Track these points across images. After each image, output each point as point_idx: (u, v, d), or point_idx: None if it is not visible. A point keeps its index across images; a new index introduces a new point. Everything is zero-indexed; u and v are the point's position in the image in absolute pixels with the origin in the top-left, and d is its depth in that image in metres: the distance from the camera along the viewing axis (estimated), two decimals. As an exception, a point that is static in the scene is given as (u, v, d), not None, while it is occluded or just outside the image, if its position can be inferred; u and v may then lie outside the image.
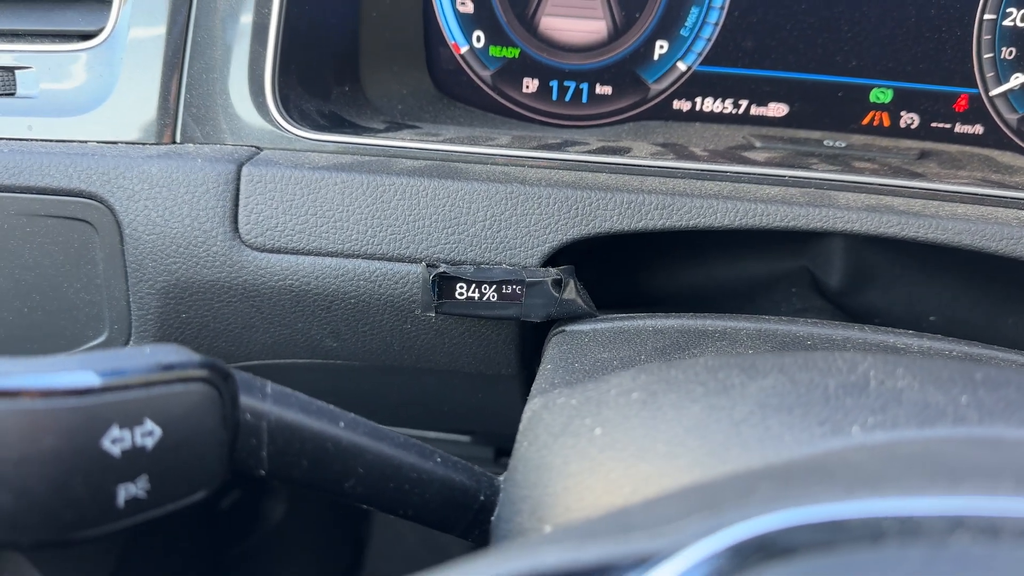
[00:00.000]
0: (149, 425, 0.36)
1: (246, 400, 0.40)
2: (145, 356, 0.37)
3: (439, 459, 0.48)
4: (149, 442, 0.36)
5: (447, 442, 1.09)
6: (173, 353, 0.39)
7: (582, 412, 0.43)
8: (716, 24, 0.76)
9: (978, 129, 0.78)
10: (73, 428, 0.34)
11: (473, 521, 0.49)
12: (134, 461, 0.36)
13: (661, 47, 0.78)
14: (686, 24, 0.77)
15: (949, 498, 0.25)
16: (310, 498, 1.34)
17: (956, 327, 0.72)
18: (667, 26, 0.77)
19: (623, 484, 0.38)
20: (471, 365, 0.69)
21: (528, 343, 0.69)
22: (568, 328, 0.62)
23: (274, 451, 0.41)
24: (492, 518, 0.48)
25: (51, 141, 0.66)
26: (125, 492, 0.36)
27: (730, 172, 0.66)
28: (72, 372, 0.35)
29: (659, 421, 0.39)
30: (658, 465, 0.37)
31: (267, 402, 0.41)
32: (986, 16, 0.74)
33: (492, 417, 0.83)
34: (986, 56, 0.75)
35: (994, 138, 0.78)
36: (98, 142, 0.66)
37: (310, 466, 0.43)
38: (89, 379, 0.34)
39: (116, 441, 0.35)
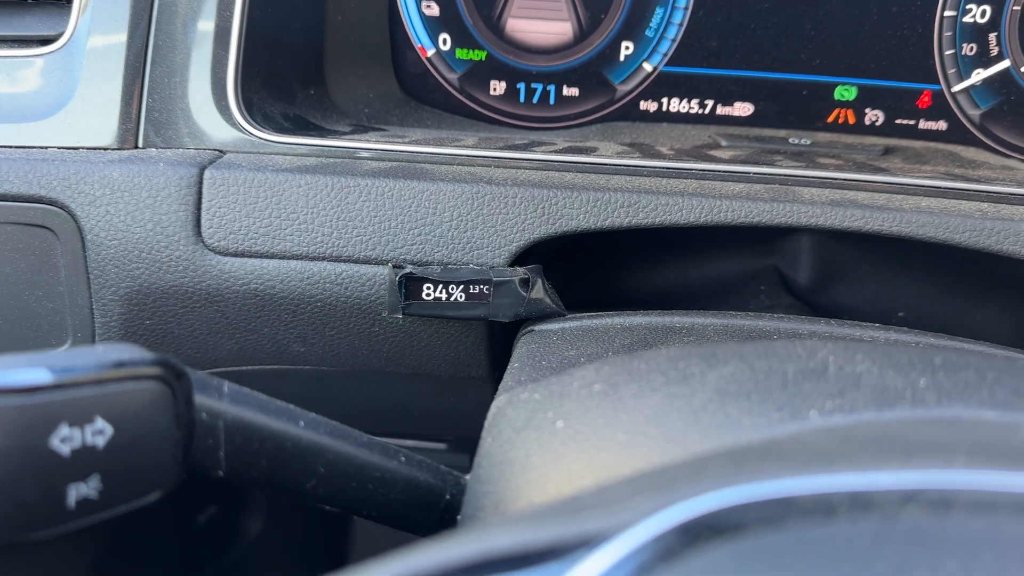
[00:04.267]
0: (100, 423, 0.35)
1: (201, 399, 0.40)
2: (96, 354, 0.37)
3: (403, 458, 0.47)
4: (100, 441, 0.35)
5: (423, 450, 1.08)
6: (126, 351, 0.38)
7: (545, 406, 0.43)
8: (680, 24, 0.77)
9: (941, 125, 0.78)
10: (20, 427, 0.33)
11: (439, 520, 0.48)
12: (84, 460, 0.35)
13: (627, 48, 0.78)
14: (651, 25, 0.77)
15: (901, 473, 0.25)
16: (288, 512, 1.33)
17: (924, 322, 0.72)
18: (632, 27, 0.77)
19: (584, 475, 0.37)
20: (441, 368, 0.69)
21: (498, 344, 0.68)
22: (537, 327, 0.62)
23: (232, 451, 0.41)
24: (459, 517, 0.48)
25: (10, 147, 0.65)
26: (76, 492, 0.35)
27: (696, 170, 0.66)
28: (19, 369, 0.34)
29: (620, 411, 0.39)
30: (618, 454, 0.37)
31: (223, 401, 0.41)
32: (946, 13, 0.75)
33: (465, 422, 0.82)
34: (947, 52, 0.76)
35: (957, 134, 0.78)
36: (59, 148, 0.65)
37: (269, 466, 0.42)
38: (37, 376, 0.34)
39: (65, 440, 0.34)
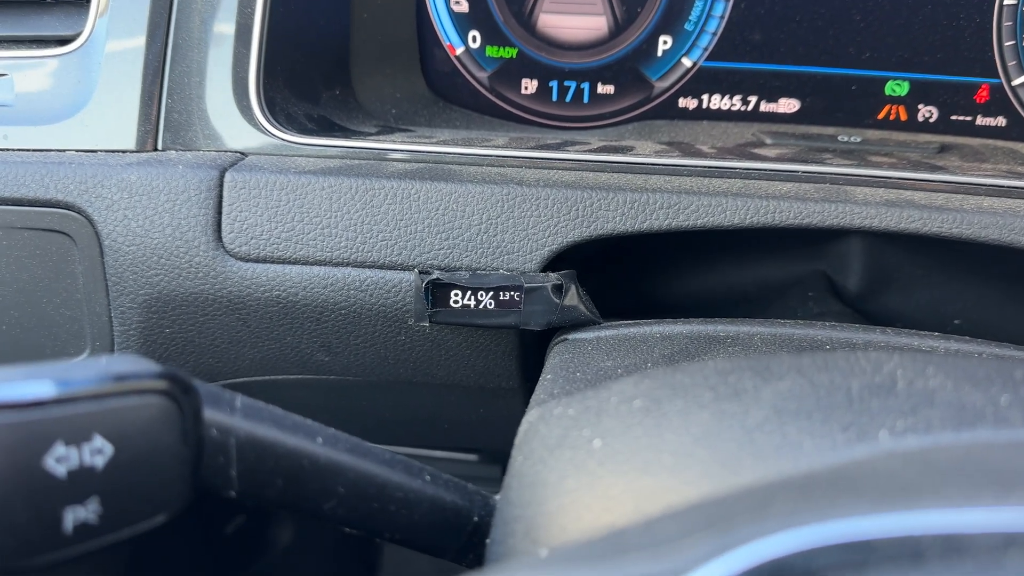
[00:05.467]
0: (99, 442, 0.32)
1: (211, 414, 0.37)
2: (97, 367, 0.34)
3: (428, 477, 0.44)
4: (99, 461, 0.33)
5: (454, 461, 1.06)
6: (130, 363, 0.35)
7: (580, 423, 0.39)
8: (722, 17, 0.73)
9: (1001, 121, 0.74)
10: (11, 445, 0.31)
11: (467, 544, 0.45)
12: (82, 482, 0.32)
13: (664, 43, 0.75)
14: (690, 18, 0.73)
15: (999, 510, 0.22)
16: (317, 523, 1.30)
17: (983, 330, 0.68)
18: (670, 20, 0.74)
19: (624, 501, 0.34)
20: (471, 378, 0.66)
21: (530, 354, 0.65)
22: (570, 336, 0.59)
23: (244, 470, 0.38)
24: (488, 540, 0.44)
25: (28, 151, 0.63)
26: (73, 516, 0.32)
27: (739, 169, 0.62)
28: (11, 383, 0.31)
29: (664, 430, 0.35)
30: (663, 479, 0.33)
31: (236, 416, 0.38)
32: (1007, 1, 0.70)
33: (497, 433, 0.79)
34: (1007, 44, 0.72)
35: (1018, 130, 0.74)
36: (76, 151, 0.63)
37: (285, 486, 0.39)
38: (30, 391, 0.31)
39: (61, 460, 0.31)
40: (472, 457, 1.07)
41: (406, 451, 0.97)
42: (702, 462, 0.33)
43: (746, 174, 0.62)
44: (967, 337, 0.57)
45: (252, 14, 0.64)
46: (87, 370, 0.33)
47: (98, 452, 0.32)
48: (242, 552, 1.24)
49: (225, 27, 0.64)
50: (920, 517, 0.21)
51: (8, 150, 0.63)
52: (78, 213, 0.61)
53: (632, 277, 0.71)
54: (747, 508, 0.23)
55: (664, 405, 0.37)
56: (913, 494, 0.23)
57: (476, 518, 0.45)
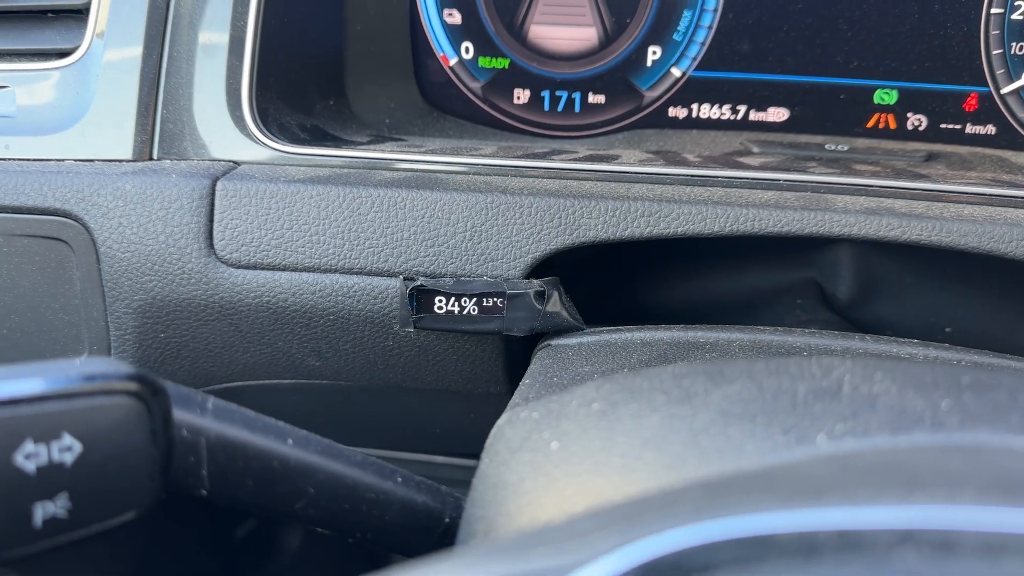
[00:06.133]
0: (68, 440, 0.34)
1: (182, 415, 0.38)
2: (68, 368, 0.35)
3: (400, 478, 0.45)
4: (68, 458, 0.34)
5: (452, 467, 1.06)
6: (103, 365, 0.37)
7: (541, 426, 0.40)
8: (710, 27, 0.74)
9: (990, 129, 0.74)
10: (-18, 443, 0.32)
11: (438, 545, 0.46)
12: (51, 478, 0.33)
13: (654, 53, 0.75)
14: (679, 28, 0.74)
15: (898, 508, 0.22)
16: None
17: (973, 338, 0.68)
18: (659, 31, 0.75)
19: (577, 501, 0.35)
20: (458, 383, 0.67)
21: (516, 359, 0.66)
22: (554, 342, 0.60)
23: (215, 470, 0.39)
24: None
25: (28, 160, 0.65)
26: (43, 511, 0.34)
27: (722, 177, 0.63)
28: (-18, 383, 0.33)
29: (616, 433, 0.36)
30: (612, 479, 0.34)
31: (206, 418, 0.39)
32: (993, 10, 0.70)
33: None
34: (995, 52, 0.72)
35: (1007, 138, 0.74)
36: (75, 160, 0.65)
37: (256, 486, 0.40)
38: (0, 390, 0.33)
39: (30, 456, 0.33)
40: (471, 462, 1.08)
41: (403, 456, 0.98)
42: (649, 464, 0.34)
43: (728, 183, 0.62)
44: (947, 344, 0.58)
45: (245, 26, 0.65)
46: (59, 370, 0.35)
47: (67, 449, 0.34)
48: (252, 556, 1.24)
49: (219, 39, 0.65)
50: (819, 514, 0.22)
51: (9, 160, 0.65)
52: (75, 221, 0.63)
53: (623, 285, 0.71)
54: (658, 505, 0.24)
55: (619, 408, 0.38)
56: (820, 493, 0.24)
57: (448, 519, 0.46)
